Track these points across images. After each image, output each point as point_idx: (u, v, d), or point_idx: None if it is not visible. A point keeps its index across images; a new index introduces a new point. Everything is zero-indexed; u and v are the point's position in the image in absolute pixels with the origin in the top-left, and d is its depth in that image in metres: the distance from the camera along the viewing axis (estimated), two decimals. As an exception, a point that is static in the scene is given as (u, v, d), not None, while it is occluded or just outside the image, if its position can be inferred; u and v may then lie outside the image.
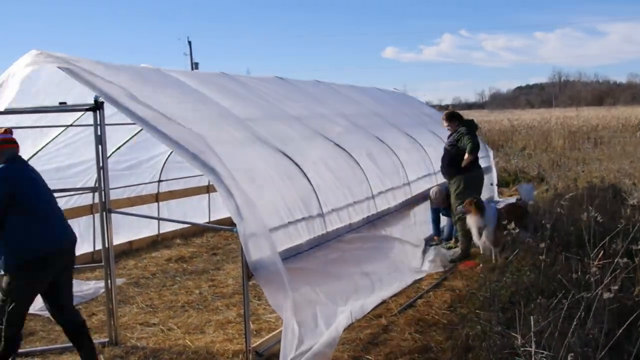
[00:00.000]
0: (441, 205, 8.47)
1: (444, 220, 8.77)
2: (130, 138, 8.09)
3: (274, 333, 5.01)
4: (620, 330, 3.57)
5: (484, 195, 11.46)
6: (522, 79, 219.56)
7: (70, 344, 5.18)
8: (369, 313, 5.69)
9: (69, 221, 4.17)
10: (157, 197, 9.48)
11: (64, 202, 7.78)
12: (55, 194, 4.54)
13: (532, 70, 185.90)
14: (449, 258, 7.71)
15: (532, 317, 3.65)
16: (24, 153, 6.75)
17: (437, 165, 9.24)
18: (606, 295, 3.59)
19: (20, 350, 5.07)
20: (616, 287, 3.65)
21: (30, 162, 6.89)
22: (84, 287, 6.84)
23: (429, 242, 8.38)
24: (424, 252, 7.84)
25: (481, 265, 7.14)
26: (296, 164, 5.67)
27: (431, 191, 8.49)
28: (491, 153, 12.67)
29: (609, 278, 4.17)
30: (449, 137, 8.06)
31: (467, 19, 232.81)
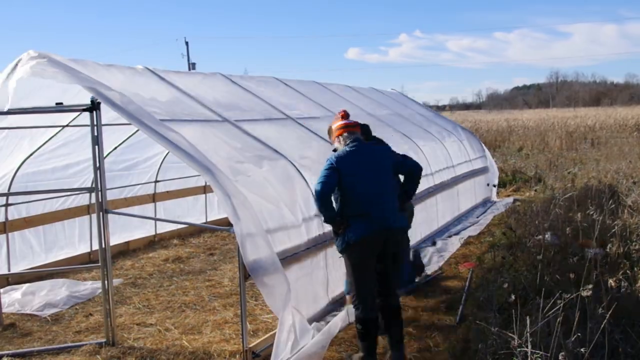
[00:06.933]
0: None
1: None
2: (127, 138, 8.07)
3: (270, 333, 5.00)
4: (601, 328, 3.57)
5: (479, 197, 11.57)
6: (503, 81, 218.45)
7: (67, 345, 5.19)
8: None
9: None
10: (154, 198, 9.48)
11: (61, 203, 7.82)
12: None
13: (507, 72, 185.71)
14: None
15: (528, 318, 3.65)
16: (21, 153, 6.78)
17: (433, 165, 9.27)
18: (584, 293, 3.60)
19: (17, 351, 5.07)
20: (591, 286, 3.66)
21: (27, 163, 6.93)
22: (81, 287, 6.82)
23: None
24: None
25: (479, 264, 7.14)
26: (293, 165, 5.66)
27: None
28: (488, 153, 12.76)
29: (606, 277, 4.18)
30: None
31: (421, 20, 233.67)
